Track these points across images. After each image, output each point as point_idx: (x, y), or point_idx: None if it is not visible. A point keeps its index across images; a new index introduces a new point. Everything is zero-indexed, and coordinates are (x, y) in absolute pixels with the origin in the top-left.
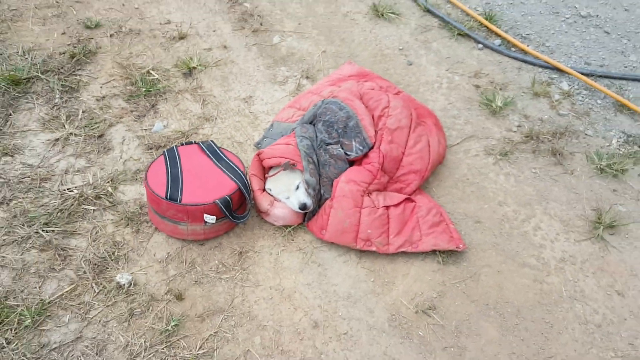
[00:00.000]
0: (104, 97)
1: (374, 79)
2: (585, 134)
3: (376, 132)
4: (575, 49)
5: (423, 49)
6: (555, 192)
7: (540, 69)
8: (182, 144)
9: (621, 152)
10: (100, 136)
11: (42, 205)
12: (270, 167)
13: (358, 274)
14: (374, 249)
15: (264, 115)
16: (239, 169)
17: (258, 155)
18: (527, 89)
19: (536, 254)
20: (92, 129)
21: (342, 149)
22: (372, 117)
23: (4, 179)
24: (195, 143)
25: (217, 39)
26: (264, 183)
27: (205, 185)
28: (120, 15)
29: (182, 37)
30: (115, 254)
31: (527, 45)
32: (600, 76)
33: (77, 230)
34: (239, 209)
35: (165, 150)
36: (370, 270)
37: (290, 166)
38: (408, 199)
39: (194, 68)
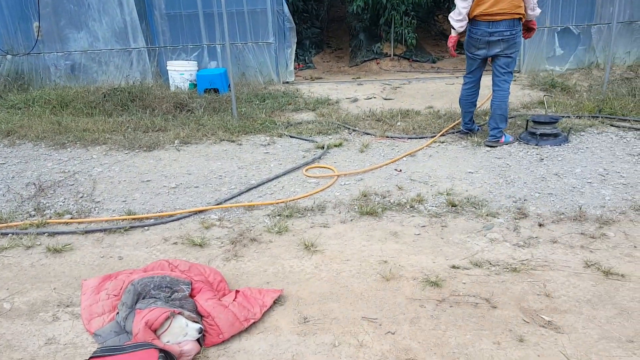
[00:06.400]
0: None
1: (121, 273)
2: (257, 229)
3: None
4: (191, 201)
5: (119, 248)
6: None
7: (190, 218)
8: None
9: (273, 229)
10: None
11: None
12: (157, 328)
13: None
14: (252, 320)
15: (78, 340)
16: (141, 342)
17: (146, 324)
18: (200, 228)
19: (297, 268)
20: None
21: (179, 293)
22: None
23: None
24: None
25: None
26: (161, 341)
27: None
28: None
29: None
30: None
31: (172, 212)
32: (219, 203)
33: None
34: None
35: None
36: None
37: (173, 314)
38: (236, 291)
39: None
